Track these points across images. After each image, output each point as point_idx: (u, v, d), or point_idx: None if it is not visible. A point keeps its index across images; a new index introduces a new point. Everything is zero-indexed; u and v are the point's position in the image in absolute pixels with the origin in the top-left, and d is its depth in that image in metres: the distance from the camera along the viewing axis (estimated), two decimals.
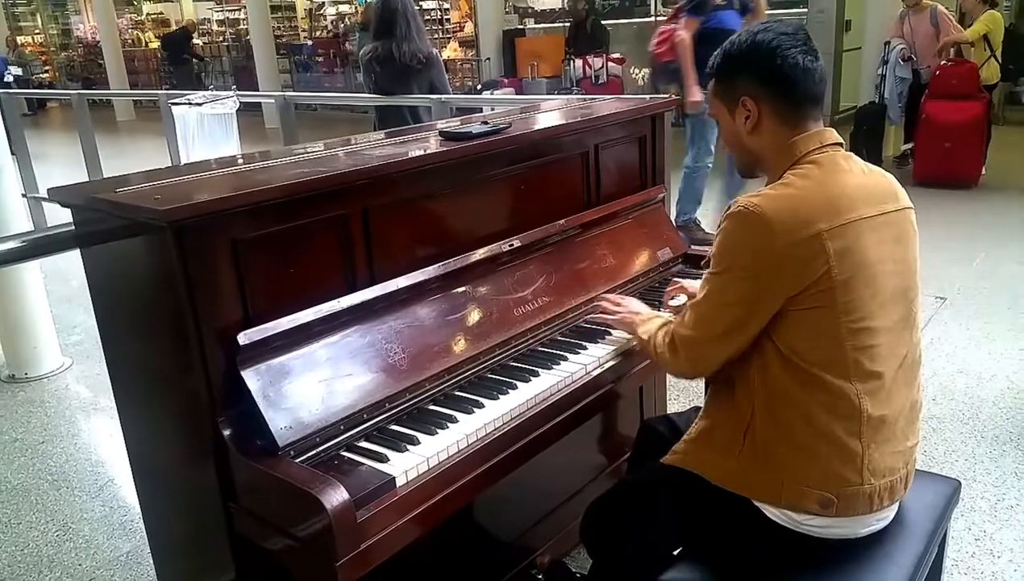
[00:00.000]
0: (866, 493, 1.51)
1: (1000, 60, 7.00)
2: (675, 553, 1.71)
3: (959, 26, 7.26)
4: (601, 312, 2.00)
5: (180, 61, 16.50)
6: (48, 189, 1.67)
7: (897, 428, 1.54)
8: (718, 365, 1.58)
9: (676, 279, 2.17)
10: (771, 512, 1.55)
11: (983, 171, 6.89)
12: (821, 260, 1.43)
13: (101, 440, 3.53)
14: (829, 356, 1.47)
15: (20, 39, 21.05)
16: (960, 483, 1.82)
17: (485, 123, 2.05)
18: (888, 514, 1.61)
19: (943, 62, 6.89)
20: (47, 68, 21.27)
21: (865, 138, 7.48)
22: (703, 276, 1.62)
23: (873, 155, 7.45)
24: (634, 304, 1.97)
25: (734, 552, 1.61)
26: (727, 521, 1.60)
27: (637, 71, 10.80)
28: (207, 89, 9.18)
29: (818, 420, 1.48)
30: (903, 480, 1.58)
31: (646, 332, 1.76)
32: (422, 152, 1.91)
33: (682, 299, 2.08)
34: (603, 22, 11.35)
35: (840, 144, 1.57)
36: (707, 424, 1.66)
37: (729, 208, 1.53)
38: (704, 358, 1.60)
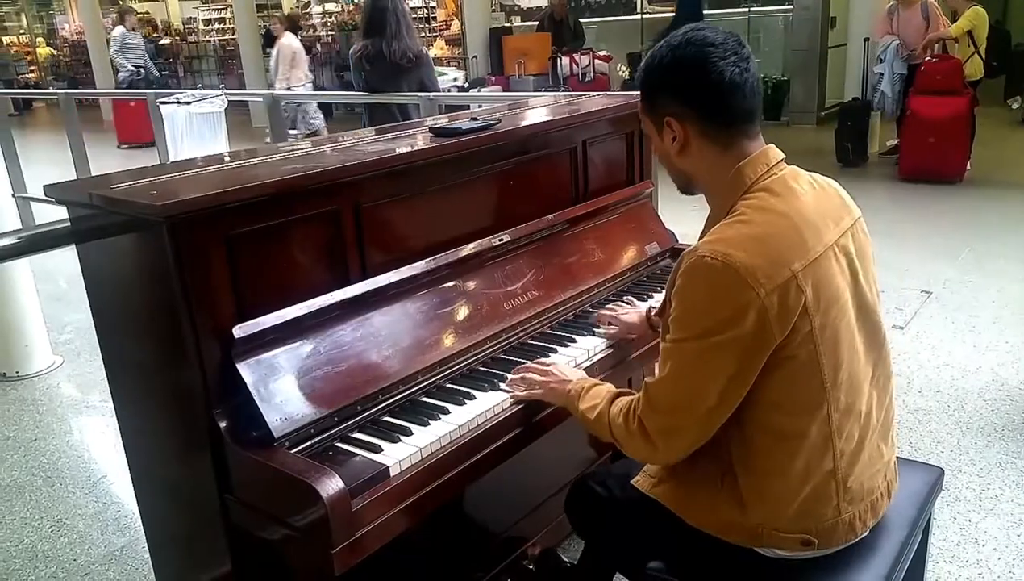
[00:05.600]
0: (846, 521, 1.47)
1: (984, 56, 7.05)
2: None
3: (948, 20, 7.31)
4: (523, 381, 1.73)
5: None
6: (44, 186, 1.69)
7: (872, 448, 1.50)
8: (700, 444, 1.42)
9: (611, 307, 2.04)
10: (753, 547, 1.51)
11: (968, 166, 6.94)
12: (798, 304, 1.31)
13: (93, 437, 3.54)
14: (811, 403, 1.38)
15: (5, 39, 20.92)
16: (943, 471, 1.84)
17: (475, 119, 2.07)
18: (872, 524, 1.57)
19: (928, 58, 6.94)
20: (32, 68, 21.15)
21: (850, 135, 7.52)
22: (664, 345, 1.41)
23: (859, 152, 7.51)
24: (563, 370, 1.72)
25: (717, 573, 1.57)
26: (707, 550, 1.54)
27: (624, 68, 10.83)
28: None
29: (794, 470, 1.41)
30: (884, 494, 1.55)
31: (592, 409, 1.54)
32: (413, 148, 1.93)
33: (612, 331, 1.97)
34: (591, 20, 11.37)
35: (783, 159, 1.44)
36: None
37: (682, 261, 1.36)
38: (685, 444, 1.42)
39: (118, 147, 11.63)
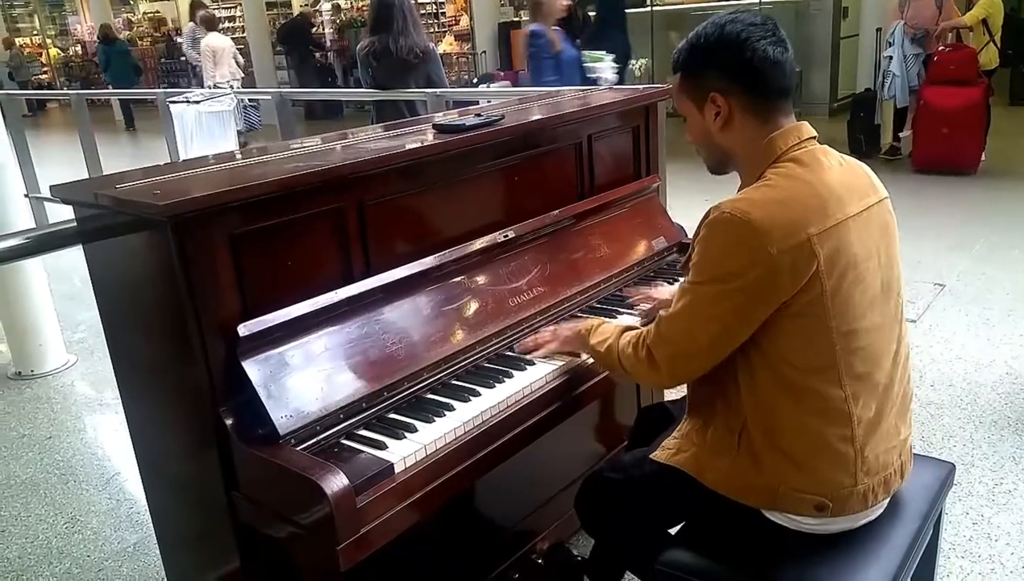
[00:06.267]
0: (860, 492, 1.50)
1: (999, 45, 6.97)
2: (673, 532, 1.73)
3: (958, 11, 7.23)
4: (535, 348, 1.86)
5: (304, 56, 14.22)
6: (51, 186, 1.70)
7: (889, 424, 1.53)
8: (702, 374, 1.54)
9: (639, 289, 2.17)
10: (767, 513, 1.54)
11: (982, 157, 6.87)
12: (811, 265, 1.39)
13: (106, 434, 3.57)
14: (820, 362, 1.44)
15: (18, 40, 21.06)
16: (954, 466, 1.83)
17: (479, 115, 2.07)
18: (884, 503, 1.60)
19: (941, 47, 6.87)
20: (45, 69, 21.28)
21: (863, 126, 7.46)
22: (681, 285, 1.54)
23: (872, 143, 7.44)
24: (566, 324, 1.89)
25: (731, 546, 1.60)
26: (723, 519, 1.59)
27: (632, 62, 10.77)
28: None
29: (809, 429, 1.46)
30: (898, 472, 1.58)
31: (602, 343, 1.68)
32: (417, 145, 1.93)
33: (647, 306, 2.08)
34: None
35: (815, 137, 1.53)
36: (699, 421, 1.61)
37: (709, 214, 1.46)
38: (687, 371, 1.55)
39: None
